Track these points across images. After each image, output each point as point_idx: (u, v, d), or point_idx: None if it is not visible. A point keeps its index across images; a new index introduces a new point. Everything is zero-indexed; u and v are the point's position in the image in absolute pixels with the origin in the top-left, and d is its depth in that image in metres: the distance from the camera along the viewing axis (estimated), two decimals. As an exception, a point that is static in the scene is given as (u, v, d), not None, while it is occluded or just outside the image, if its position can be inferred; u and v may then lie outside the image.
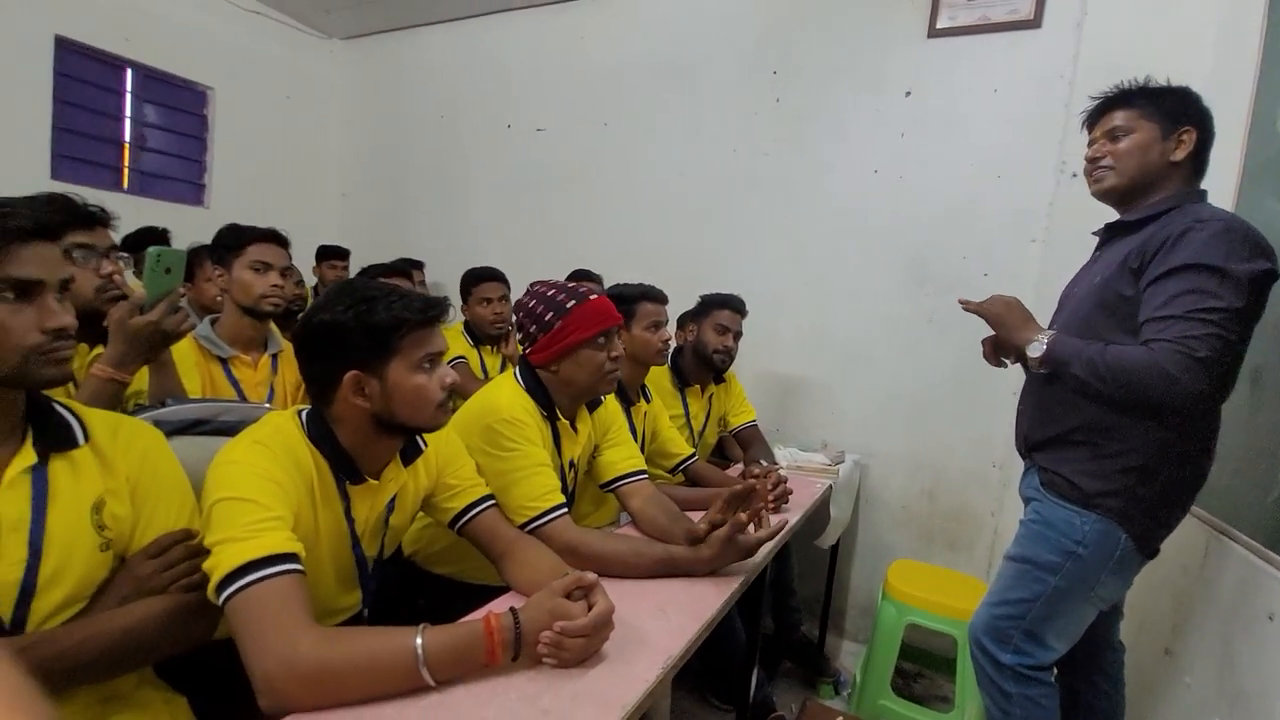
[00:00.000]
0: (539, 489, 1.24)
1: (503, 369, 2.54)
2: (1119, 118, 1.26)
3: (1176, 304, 1.08)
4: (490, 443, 1.27)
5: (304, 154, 3.72)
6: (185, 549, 0.86)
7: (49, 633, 0.75)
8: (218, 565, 0.79)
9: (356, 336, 0.93)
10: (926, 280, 2.42)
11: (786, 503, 1.72)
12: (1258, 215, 1.26)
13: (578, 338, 1.33)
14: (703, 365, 2.15)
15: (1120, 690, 1.43)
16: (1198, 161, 1.24)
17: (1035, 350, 1.23)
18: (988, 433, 2.32)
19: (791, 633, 2.30)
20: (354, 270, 3.08)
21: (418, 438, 1.10)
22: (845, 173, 2.55)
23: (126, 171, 3.08)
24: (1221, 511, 1.37)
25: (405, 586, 1.41)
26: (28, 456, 0.77)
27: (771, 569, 1.62)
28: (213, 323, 1.55)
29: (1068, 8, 2.17)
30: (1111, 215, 1.34)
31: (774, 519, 1.43)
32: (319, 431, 0.98)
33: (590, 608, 0.90)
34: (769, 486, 1.68)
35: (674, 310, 2.01)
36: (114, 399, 1.11)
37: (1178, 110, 1.22)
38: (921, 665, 2.30)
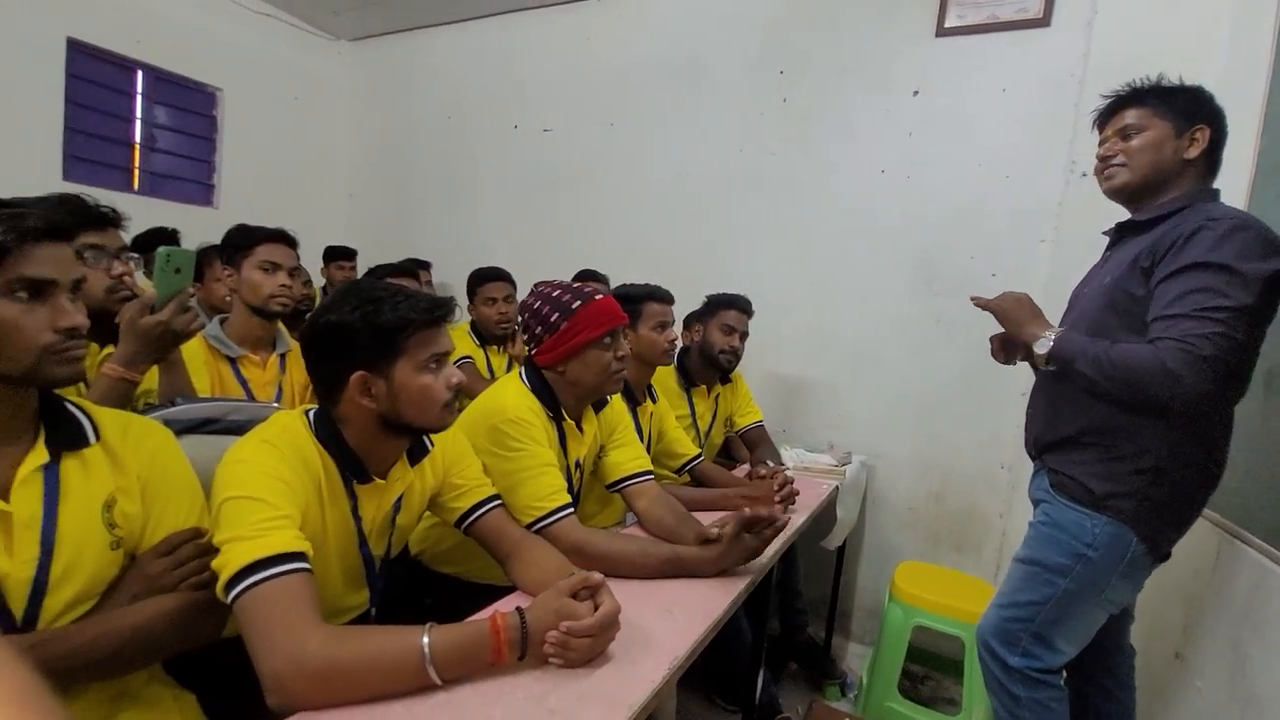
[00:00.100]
0: (545, 489, 1.24)
1: (509, 369, 2.54)
2: (1131, 116, 1.25)
3: (1184, 302, 1.07)
4: (496, 443, 1.27)
5: (312, 155, 3.74)
6: (195, 547, 0.87)
7: (61, 630, 0.76)
8: (226, 564, 0.80)
9: (363, 337, 0.94)
10: (934, 280, 2.41)
11: (793, 504, 1.72)
12: (1271, 214, 1.24)
13: (584, 338, 1.33)
14: (709, 365, 2.15)
15: (1130, 694, 1.42)
16: (1211, 160, 1.23)
17: (1042, 346, 1.23)
18: (996, 434, 2.31)
19: (797, 634, 2.29)
20: (361, 270, 3.09)
21: (424, 437, 1.11)
22: (852, 173, 2.54)
23: (137, 172, 3.10)
24: (1233, 514, 1.36)
25: (412, 586, 1.41)
26: (40, 455, 0.77)
27: (778, 570, 1.62)
28: (222, 322, 1.56)
29: (1078, 6, 2.15)
30: (1122, 215, 1.33)
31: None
32: (326, 431, 0.99)
33: (596, 608, 0.90)
34: (775, 487, 1.68)
35: (680, 310, 2.01)
36: (124, 398, 1.12)
37: (1191, 108, 1.21)
38: (928, 667, 2.29)
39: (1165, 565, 1.25)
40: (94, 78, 2.86)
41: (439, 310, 0.99)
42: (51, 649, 0.73)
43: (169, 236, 2.31)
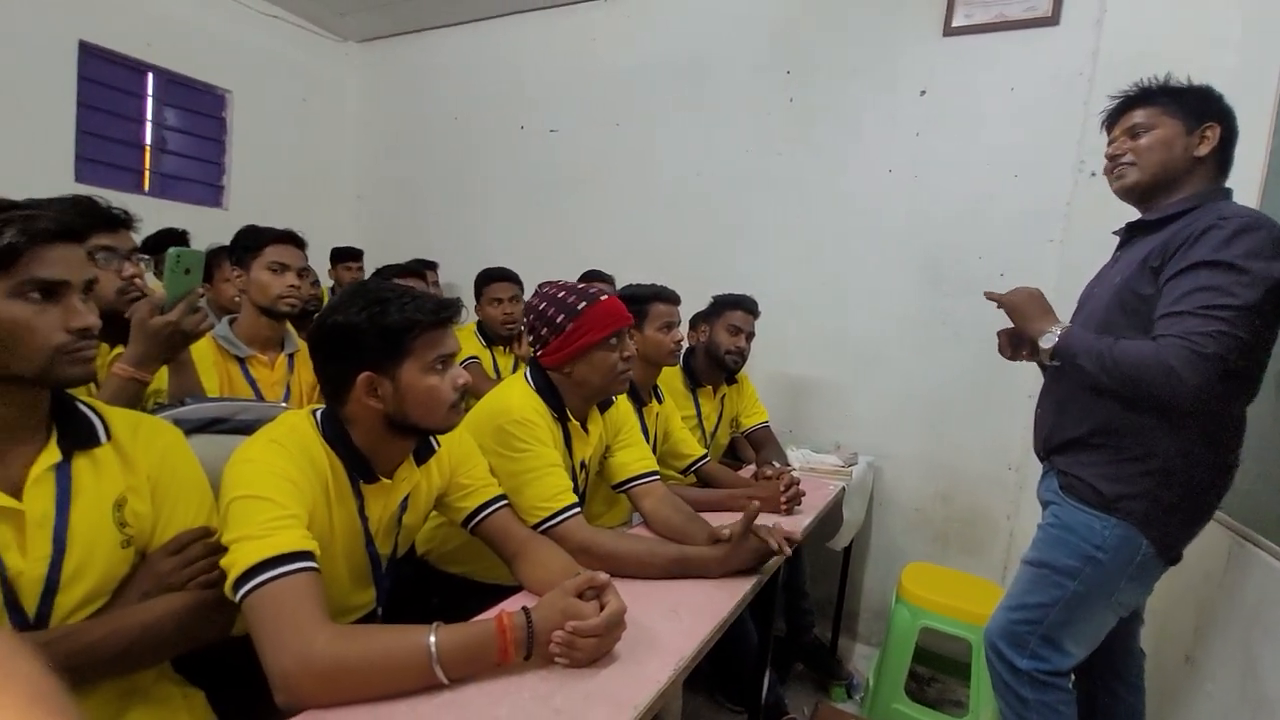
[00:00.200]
0: (551, 489, 1.24)
1: (515, 369, 2.55)
2: (1140, 115, 1.24)
3: (1189, 300, 1.07)
4: (502, 444, 1.27)
5: (320, 156, 3.76)
6: (204, 546, 0.88)
7: (72, 627, 0.77)
8: (235, 563, 0.80)
9: (370, 338, 0.94)
10: (941, 281, 2.40)
11: (799, 504, 1.72)
12: (1283, 214, 1.23)
13: (590, 339, 1.33)
14: (715, 366, 2.14)
15: (1140, 697, 1.41)
16: (1221, 160, 1.22)
17: (1047, 341, 1.23)
18: (1004, 435, 2.30)
19: (803, 635, 2.29)
20: (369, 271, 3.11)
21: (431, 438, 1.11)
22: (859, 172, 2.53)
23: (147, 174, 3.13)
24: (1244, 517, 1.34)
25: (419, 585, 1.41)
26: (52, 454, 0.78)
27: (784, 571, 1.61)
28: (231, 323, 1.57)
29: (1087, 4, 2.14)
30: (1132, 215, 1.32)
31: (786, 526, 1.42)
32: (333, 431, 1.00)
33: (602, 608, 0.90)
34: (781, 488, 1.68)
35: (686, 311, 2.01)
36: (135, 398, 1.12)
37: (1200, 106, 1.20)
38: (935, 669, 2.28)
39: (1175, 568, 1.24)
40: (105, 80, 2.88)
41: (445, 311, 0.99)
42: (63, 646, 0.74)
43: (179, 237, 2.33)
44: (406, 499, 1.09)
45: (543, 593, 0.94)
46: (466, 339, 2.52)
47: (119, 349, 1.21)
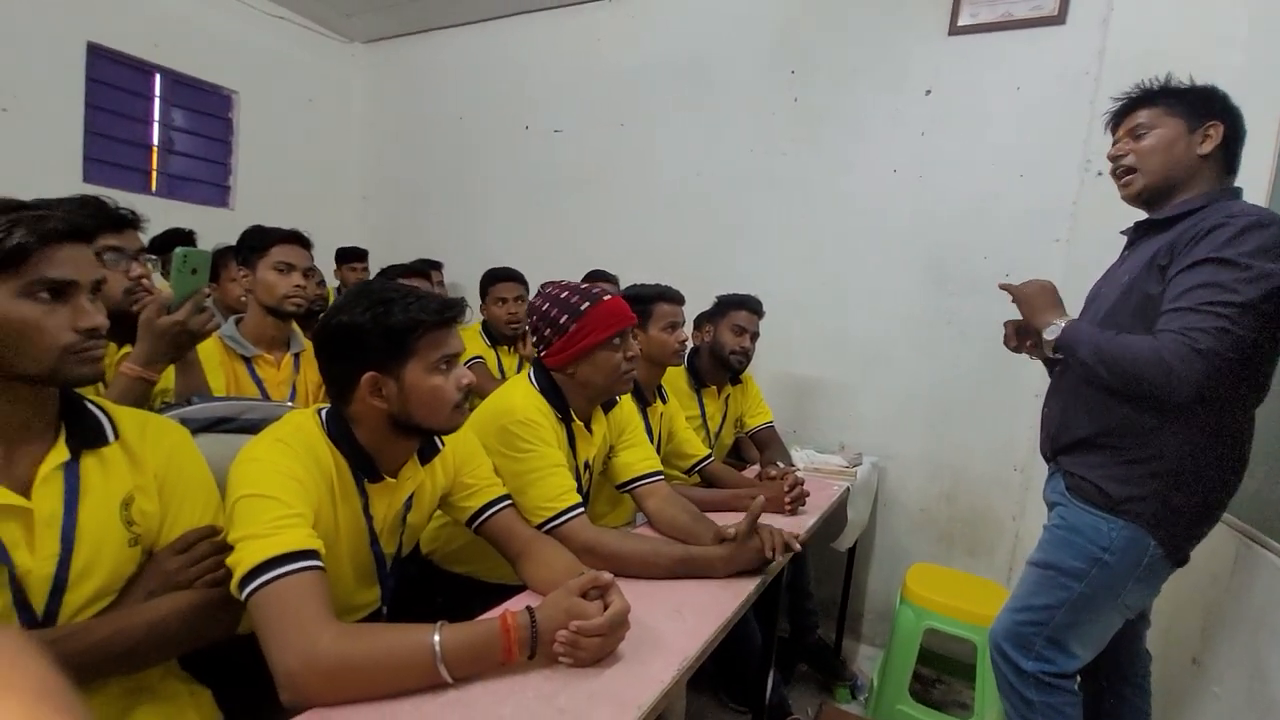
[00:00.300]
0: (555, 489, 1.24)
1: (519, 369, 2.55)
2: (1142, 116, 1.24)
3: (1190, 296, 1.07)
4: (506, 444, 1.27)
5: (326, 156, 3.78)
6: (210, 545, 0.88)
7: (80, 625, 0.77)
8: (240, 561, 0.81)
9: (374, 338, 0.95)
10: (946, 281, 2.39)
11: (803, 505, 1.72)
12: (1292, 214, 1.22)
13: (593, 340, 1.33)
14: (719, 366, 2.14)
15: (1146, 700, 1.40)
16: (1228, 158, 1.21)
17: (1051, 333, 1.23)
18: (1009, 435, 2.29)
19: (807, 635, 2.28)
20: (374, 271, 3.12)
21: (435, 437, 1.11)
22: (864, 172, 2.53)
23: (155, 174, 3.14)
24: (1252, 518, 1.34)
25: (423, 585, 1.42)
26: (61, 453, 0.79)
27: (788, 571, 1.61)
28: (237, 322, 1.58)
29: (1093, 3, 2.13)
30: (1139, 214, 1.31)
31: (790, 526, 1.42)
32: (338, 430, 1.00)
33: (606, 607, 0.90)
34: (786, 488, 1.68)
35: (690, 311, 2.01)
36: (142, 397, 1.13)
37: (1202, 105, 1.20)
38: (940, 671, 2.28)
39: (1183, 570, 1.23)
40: (113, 81, 2.90)
41: (449, 311, 0.99)
42: (71, 644, 0.74)
43: (186, 237, 2.34)
44: (411, 498, 1.10)
45: (547, 592, 0.94)
46: (471, 339, 2.52)
47: (126, 348, 1.22)
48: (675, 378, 2.10)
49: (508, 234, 3.41)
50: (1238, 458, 1.17)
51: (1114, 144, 1.30)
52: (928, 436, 2.44)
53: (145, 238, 1.39)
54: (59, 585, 0.76)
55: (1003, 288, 1.37)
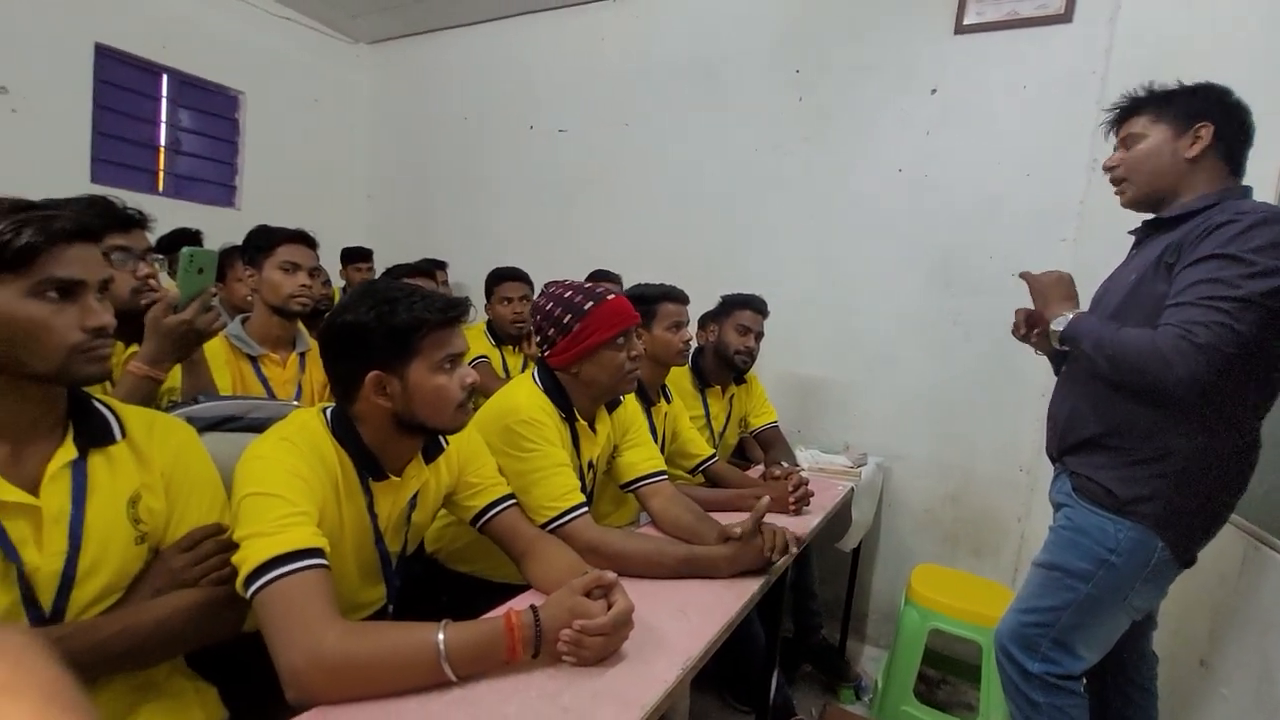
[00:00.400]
0: (559, 489, 1.24)
1: (524, 368, 2.56)
2: (1134, 125, 1.26)
3: (1192, 291, 1.07)
4: (510, 444, 1.28)
5: (331, 156, 3.79)
6: (216, 543, 0.89)
7: (87, 622, 0.78)
8: (246, 559, 0.81)
9: (378, 337, 0.95)
10: (952, 281, 2.38)
11: (808, 505, 1.71)
12: (1300, 213, 1.21)
13: (597, 339, 1.33)
14: (724, 366, 2.14)
15: (1153, 702, 1.39)
16: (1229, 157, 1.20)
17: (1058, 324, 1.24)
18: (1015, 436, 2.28)
19: (811, 636, 2.28)
20: (379, 271, 3.13)
21: (439, 436, 1.12)
22: (869, 172, 2.52)
23: (161, 175, 3.16)
24: (1260, 519, 1.33)
25: (428, 584, 1.42)
26: (69, 451, 0.79)
27: (792, 571, 1.61)
28: (243, 322, 1.58)
29: (1100, 2, 2.11)
30: (1145, 213, 1.31)
31: (795, 526, 1.42)
32: (343, 429, 1.00)
33: (610, 606, 0.90)
34: (790, 488, 1.68)
35: (695, 310, 2.01)
36: (149, 396, 1.14)
37: (1190, 108, 1.20)
38: (945, 672, 2.27)
39: (1190, 571, 1.22)
40: (121, 82, 2.92)
41: (453, 311, 1.00)
42: (79, 641, 0.75)
43: (192, 237, 2.36)
44: (415, 497, 1.10)
45: (551, 592, 0.95)
46: (476, 338, 2.53)
47: (134, 347, 1.23)
48: (680, 377, 2.10)
49: (512, 234, 3.42)
50: (1246, 458, 1.16)
51: (1113, 152, 1.31)
52: (933, 437, 2.44)
53: (152, 237, 1.40)
54: (66, 582, 0.77)
55: (1022, 276, 1.37)
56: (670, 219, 2.96)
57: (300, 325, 1.66)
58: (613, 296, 1.38)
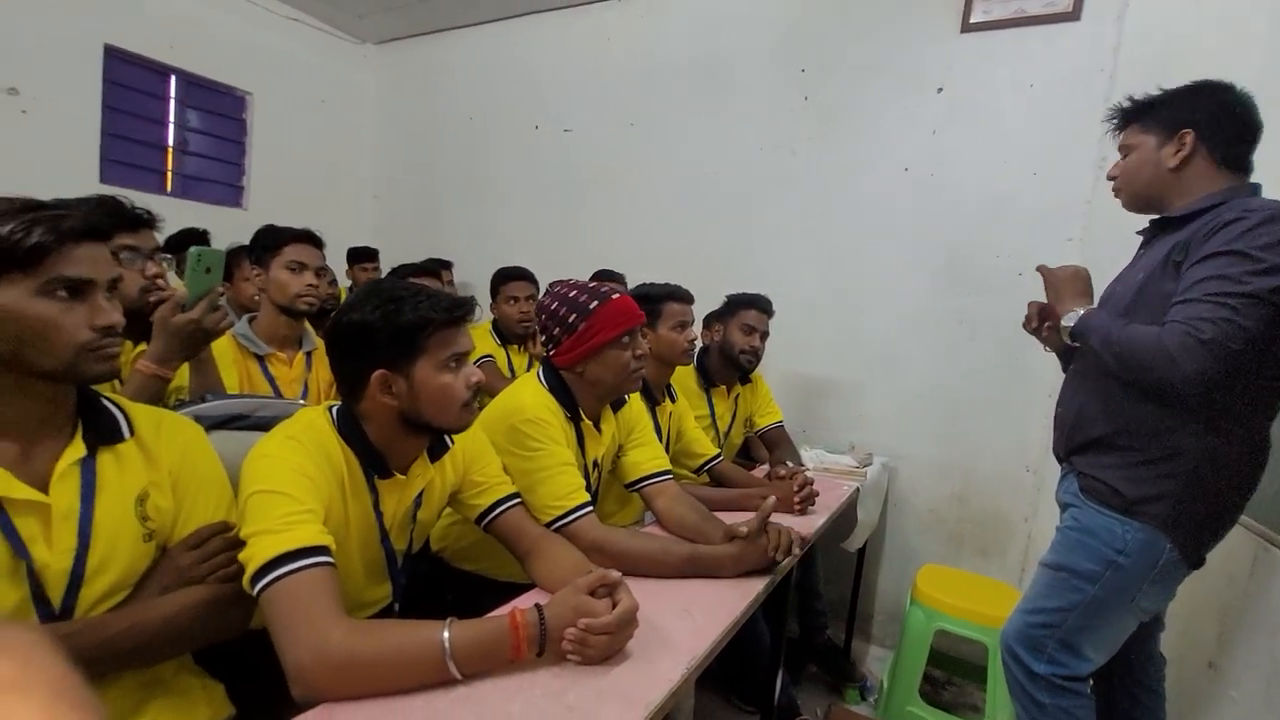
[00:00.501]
0: (564, 488, 1.25)
1: (529, 367, 2.56)
2: (1127, 135, 1.29)
3: (1199, 288, 1.06)
4: (515, 443, 1.28)
5: (338, 156, 3.81)
6: (223, 541, 0.89)
7: (96, 619, 0.78)
8: (253, 557, 0.82)
9: (384, 336, 0.95)
10: (958, 280, 2.37)
11: (813, 504, 1.71)
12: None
13: (602, 338, 1.33)
14: (729, 365, 2.14)
15: (1161, 704, 1.39)
16: (1226, 159, 1.19)
17: (1069, 320, 1.24)
18: (1021, 436, 2.27)
19: (817, 636, 2.28)
20: (385, 270, 3.14)
21: (445, 435, 1.12)
22: (875, 171, 2.51)
23: (170, 175, 3.18)
24: (1270, 520, 1.32)
25: (434, 582, 1.43)
26: (78, 449, 0.80)
27: (797, 572, 1.61)
28: (250, 321, 1.59)
29: (1108, -1, 2.11)
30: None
31: (800, 526, 1.41)
32: (349, 427, 1.01)
33: (614, 605, 0.90)
34: (795, 488, 1.67)
35: (700, 310, 2.01)
36: (157, 394, 1.14)
37: (1172, 116, 1.21)
38: (951, 672, 2.26)
39: (1199, 572, 1.21)
40: (129, 83, 2.94)
41: (459, 310, 1.00)
42: (87, 637, 0.75)
43: (200, 237, 2.37)
44: (421, 495, 1.10)
45: (555, 590, 0.95)
46: (481, 337, 2.53)
47: (142, 346, 1.24)
48: (684, 377, 2.09)
49: (517, 234, 3.42)
50: (1256, 459, 1.15)
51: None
52: (939, 437, 2.43)
53: (160, 237, 1.41)
54: (75, 579, 0.77)
55: (1040, 270, 1.38)
56: (675, 218, 2.96)
57: (307, 324, 1.67)
58: (618, 296, 1.38)
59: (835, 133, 2.59)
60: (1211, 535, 1.18)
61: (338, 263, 2.99)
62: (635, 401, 1.59)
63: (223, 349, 1.46)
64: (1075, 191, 2.16)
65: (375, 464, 1.02)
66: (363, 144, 3.92)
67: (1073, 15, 2.17)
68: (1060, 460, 1.37)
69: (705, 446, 1.87)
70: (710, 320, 2.25)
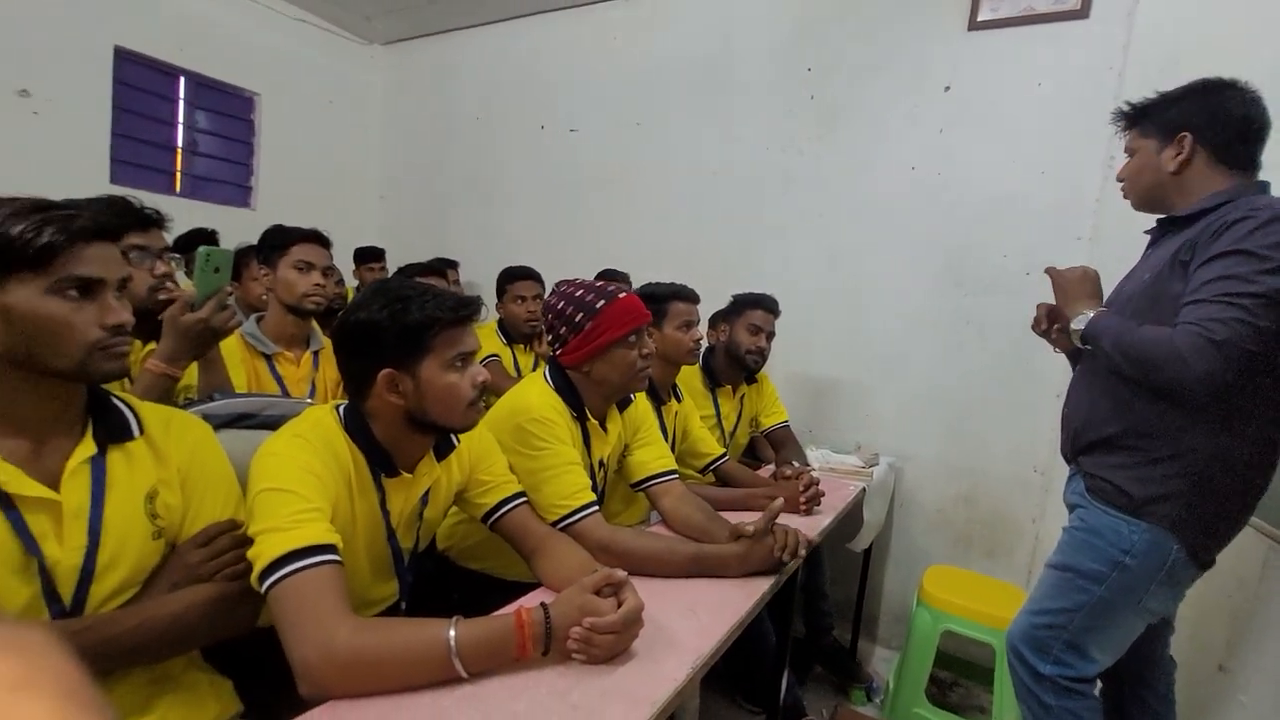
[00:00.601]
0: (570, 487, 1.25)
1: (535, 367, 2.56)
2: (1130, 138, 1.29)
3: (1209, 288, 1.05)
4: (521, 442, 1.28)
5: (345, 157, 3.82)
6: (231, 539, 0.90)
7: (106, 616, 0.79)
8: (260, 554, 0.82)
9: (391, 335, 0.96)
10: (965, 280, 2.36)
11: (819, 505, 1.71)
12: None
13: (609, 337, 1.33)
14: (735, 365, 2.14)
15: (1170, 708, 1.37)
16: (1230, 159, 1.18)
17: (1079, 323, 1.23)
18: (1029, 436, 2.25)
19: (822, 636, 2.27)
20: (391, 270, 3.15)
21: (451, 434, 1.12)
22: (882, 170, 2.50)
23: (179, 175, 3.20)
24: (1281, 522, 1.31)
25: (440, 581, 1.43)
26: (88, 447, 0.81)
27: (803, 572, 1.60)
28: (258, 320, 1.60)
29: (1118, -4, 2.09)
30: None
31: (806, 527, 1.41)
32: (356, 426, 1.01)
33: (620, 605, 0.90)
34: (800, 488, 1.67)
35: (706, 310, 2.00)
36: (166, 393, 1.15)
37: (1171, 119, 1.21)
38: (958, 674, 2.25)
39: (1208, 574, 1.21)
40: (139, 84, 2.96)
41: (465, 309, 1.00)
42: (97, 634, 0.76)
43: (208, 237, 2.39)
44: (427, 493, 1.11)
45: (561, 589, 0.95)
46: (487, 337, 2.54)
47: (151, 345, 1.24)
48: (690, 377, 2.09)
49: (523, 233, 3.43)
50: (1267, 459, 1.14)
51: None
52: (946, 437, 2.42)
53: (169, 237, 1.42)
54: (86, 576, 0.78)
55: (1048, 272, 1.37)
56: (681, 218, 2.96)
57: (314, 324, 1.68)
58: (624, 295, 1.38)
59: (841, 132, 2.58)
60: (1220, 536, 1.17)
61: (345, 262, 3.00)
62: (641, 401, 1.59)
63: (231, 348, 1.47)
64: (1084, 190, 2.15)
65: (382, 462, 1.03)
66: (369, 144, 3.94)
67: (1081, 13, 2.15)
68: (1068, 461, 1.36)
69: (710, 446, 1.87)
70: (716, 320, 2.24)
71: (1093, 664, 1.23)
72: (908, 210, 2.46)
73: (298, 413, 1.04)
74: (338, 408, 1.04)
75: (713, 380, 2.16)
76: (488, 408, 1.29)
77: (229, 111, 3.35)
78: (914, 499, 2.49)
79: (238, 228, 2.67)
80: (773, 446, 2.30)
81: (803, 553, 1.27)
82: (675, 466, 1.54)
